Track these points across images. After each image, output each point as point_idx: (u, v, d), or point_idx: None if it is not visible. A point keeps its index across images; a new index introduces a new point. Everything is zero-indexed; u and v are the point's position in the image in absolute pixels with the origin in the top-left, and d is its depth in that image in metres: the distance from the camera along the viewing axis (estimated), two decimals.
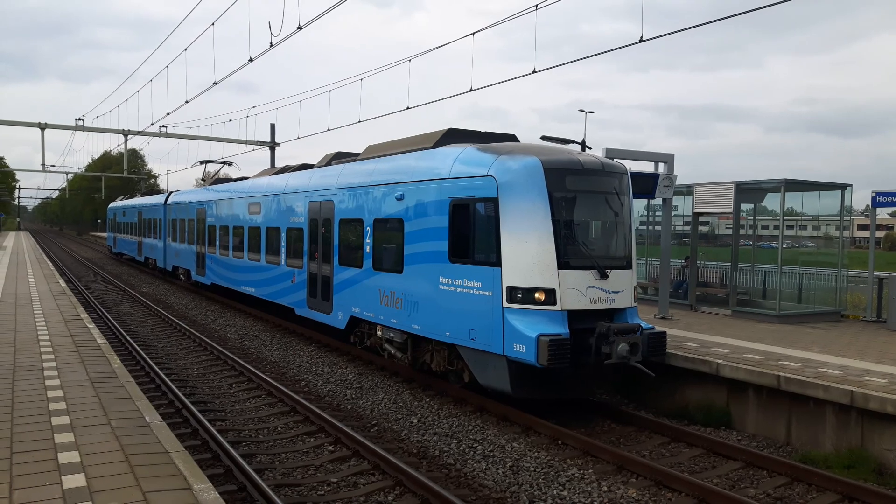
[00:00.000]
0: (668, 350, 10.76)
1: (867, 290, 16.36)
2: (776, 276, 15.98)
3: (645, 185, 14.28)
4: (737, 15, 10.11)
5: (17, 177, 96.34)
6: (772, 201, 17.02)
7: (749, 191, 16.55)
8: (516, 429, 10.01)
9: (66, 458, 6.13)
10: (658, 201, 16.51)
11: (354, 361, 14.37)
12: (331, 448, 9.08)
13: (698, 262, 18.03)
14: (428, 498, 7.30)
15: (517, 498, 7.61)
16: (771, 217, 18.44)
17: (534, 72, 13.53)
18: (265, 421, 10.30)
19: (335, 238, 14.47)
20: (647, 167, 15.09)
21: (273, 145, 35.10)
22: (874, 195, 15.78)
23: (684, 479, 7.95)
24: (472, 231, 10.41)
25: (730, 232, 18.50)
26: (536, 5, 12.26)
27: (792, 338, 12.89)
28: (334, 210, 14.51)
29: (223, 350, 14.86)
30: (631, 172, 11.32)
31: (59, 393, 8.33)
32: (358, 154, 15.53)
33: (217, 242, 22.92)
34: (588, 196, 10.45)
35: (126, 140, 35.19)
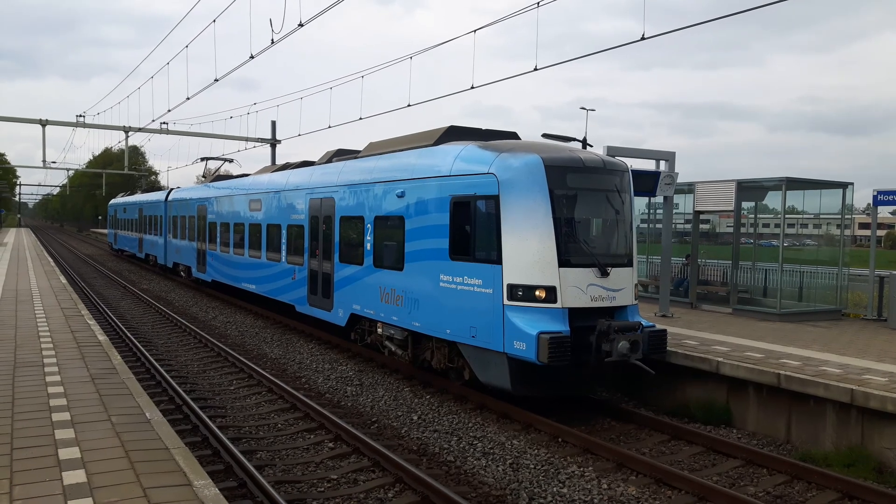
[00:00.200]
0: (668, 348, 10.76)
1: (868, 289, 16.35)
2: (777, 275, 15.97)
3: (646, 183, 14.28)
4: (739, 13, 10.08)
5: (17, 173, 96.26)
6: (773, 200, 17.02)
7: (750, 189, 16.55)
8: (516, 426, 10.01)
9: (66, 454, 6.13)
10: (659, 199, 16.49)
11: (355, 358, 14.38)
12: (331, 445, 9.09)
13: (699, 261, 18.02)
14: (428, 495, 7.31)
15: (517, 495, 7.61)
16: (772, 215, 18.42)
17: (535, 69, 13.51)
18: (265, 418, 10.31)
19: (336, 235, 14.47)
20: (648, 165, 15.09)
21: (274, 142, 35.08)
22: (875, 194, 15.76)
23: (684, 476, 7.95)
24: (472, 228, 10.40)
25: (731, 230, 18.49)
26: (538, 2, 12.23)
27: (792, 336, 12.89)
28: (335, 207, 14.51)
29: (224, 347, 14.87)
30: (632, 170, 11.32)
31: (60, 389, 8.34)
32: (359, 151, 15.52)
33: (218, 239, 22.92)
34: (589, 194, 10.44)
35: (127, 137, 35.15)
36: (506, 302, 9.79)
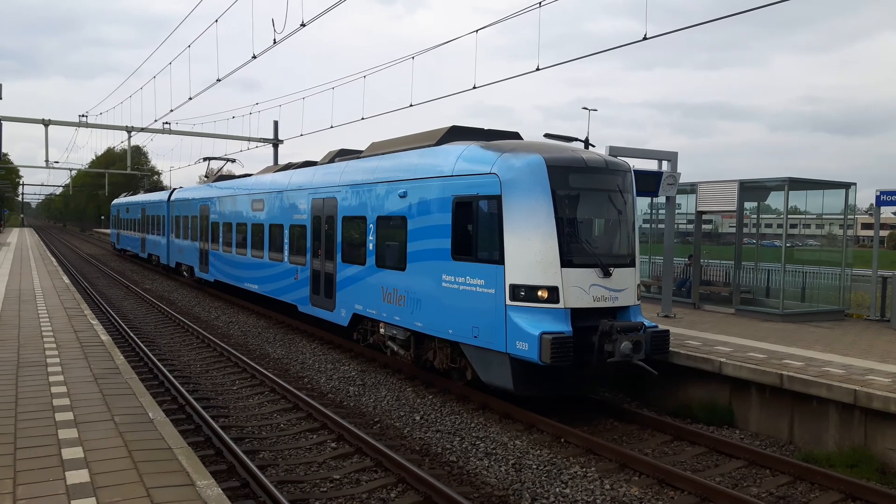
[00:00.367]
0: (671, 348, 10.75)
1: (871, 290, 16.32)
2: (779, 275, 15.96)
3: (648, 183, 14.27)
4: (740, 13, 10.07)
5: (20, 173, 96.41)
6: (775, 200, 17.00)
7: (753, 189, 16.53)
8: (519, 426, 10.01)
9: (69, 453, 6.14)
10: (661, 199, 16.49)
11: (357, 359, 14.38)
12: (333, 445, 9.09)
13: (701, 261, 18.01)
14: (430, 495, 7.31)
15: (520, 496, 7.61)
16: (774, 215, 18.40)
17: (537, 69, 13.50)
18: (268, 418, 10.32)
19: (338, 235, 14.48)
20: (650, 165, 15.08)
21: (276, 142, 35.13)
22: (878, 194, 15.74)
23: (687, 477, 7.95)
24: (475, 228, 10.40)
25: (733, 230, 18.46)
26: (540, 2, 12.22)
27: (795, 336, 12.87)
28: (337, 207, 14.52)
29: (226, 347, 14.89)
30: (634, 170, 11.30)
31: (63, 389, 8.35)
32: (361, 151, 15.53)
33: (220, 239, 22.95)
34: (591, 194, 10.43)
35: (129, 137, 35.23)
36: (508, 302, 9.79)
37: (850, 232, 16.77)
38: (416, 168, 11.87)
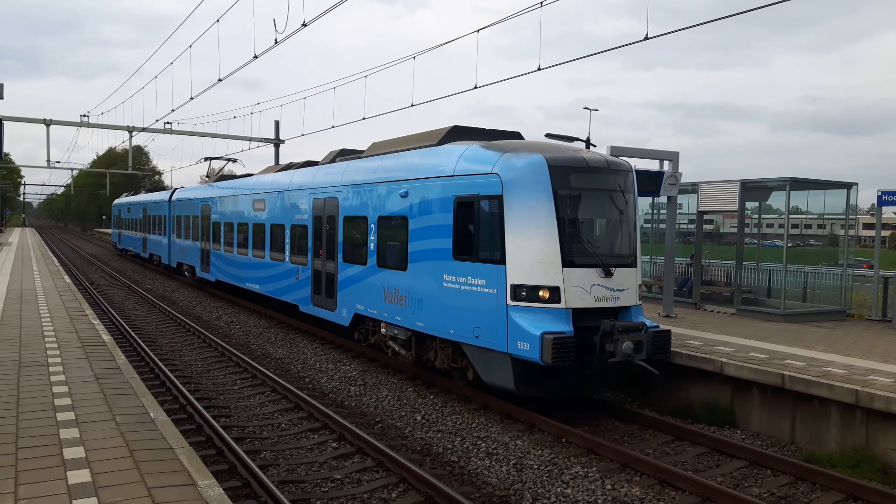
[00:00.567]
0: (672, 348, 10.75)
1: (872, 290, 16.30)
2: (781, 275, 15.95)
3: (650, 183, 14.26)
4: (742, 13, 10.07)
5: (22, 173, 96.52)
6: (777, 200, 16.99)
7: (754, 189, 16.52)
8: (520, 426, 10.01)
9: (71, 453, 6.15)
10: (663, 199, 16.49)
11: (358, 358, 14.39)
12: (334, 445, 9.09)
13: (703, 261, 18.00)
14: (431, 495, 7.31)
15: (521, 496, 7.61)
16: (776, 215, 18.39)
17: (539, 69, 13.50)
18: (269, 417, 10.32)
19: (339, 235, 14.49)
20: (651, 165, 15.08)
21: (277, 142, 35.13)
22: (880, 194, 15.71)
23: (688, 477, 7.94)
24: (476, 228, 10.40)
25: (734, 230, 18.45)
26: (541, 2, 12.22)
27: (796, 336, 12.86)
28: (338, 207, 14.53)
29: (227, 346, 14.90)
30: (636, 170, 11.30)
31: (65, 389, 8.36)
32: (362, 151, 15.53)
33: (221, 239, 22.96)
34: (593, 194, 10.42)
35: (131, 136, 35.27)
36: (509, 302, 9.78)
37: (851, 232, 16.76)
38: (418, 168, 11.87)
